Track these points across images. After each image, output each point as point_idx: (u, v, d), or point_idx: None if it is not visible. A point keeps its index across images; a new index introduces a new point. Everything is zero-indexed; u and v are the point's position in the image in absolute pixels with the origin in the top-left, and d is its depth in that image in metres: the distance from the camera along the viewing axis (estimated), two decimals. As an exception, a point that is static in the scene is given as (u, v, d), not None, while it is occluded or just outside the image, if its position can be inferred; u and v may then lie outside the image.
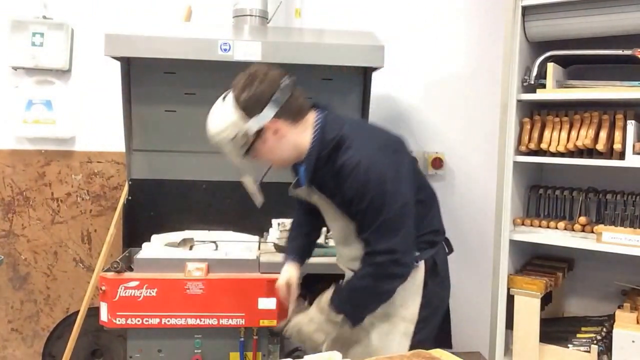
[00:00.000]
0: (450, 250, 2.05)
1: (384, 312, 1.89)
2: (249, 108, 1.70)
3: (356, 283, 1.84)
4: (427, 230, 1.90)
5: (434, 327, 2.00)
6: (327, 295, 1.90)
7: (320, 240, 2.70)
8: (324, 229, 2.76)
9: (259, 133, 1.73)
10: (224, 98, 1.78)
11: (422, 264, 1.90)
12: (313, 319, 1.91)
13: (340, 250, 2.05)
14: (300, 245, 2.15)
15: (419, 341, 1.88)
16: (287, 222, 2.72)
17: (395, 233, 1.73)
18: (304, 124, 1.79)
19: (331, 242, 2.71)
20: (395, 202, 1.72)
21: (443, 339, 2.02)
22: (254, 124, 1.71)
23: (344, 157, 1.73)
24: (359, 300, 1.83)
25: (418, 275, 1.89)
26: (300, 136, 1.79)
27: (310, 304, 2.53)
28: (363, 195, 1.70)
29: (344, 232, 1.91)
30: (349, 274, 1.99)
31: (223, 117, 1.75)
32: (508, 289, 2.72)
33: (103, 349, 3.10)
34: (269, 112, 1.70)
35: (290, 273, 2.08)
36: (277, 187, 2.96)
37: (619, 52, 2.57)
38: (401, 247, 1.74)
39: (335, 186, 1.77)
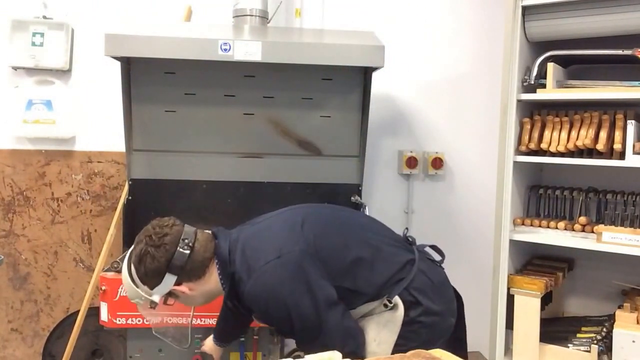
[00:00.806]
0: (442, 257, 2.00)
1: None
2: (148, 282, 1.76)
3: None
4: (384, 279, 1.79)
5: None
6: None
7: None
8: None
9: (169, 293, 1.79)
10: (129, 258, 1.83)
11: (398, 301, 1.79)
12: None
13: None
14: (225, 331, 2.18)
15: None
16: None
17: (324, 338, 1.67)
18: (209, 271, 1.82)
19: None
20: (306, 316, 1.68)
21: (457, 346, 1.92)
22: (158, 293, 1.78)
23: (245, 291, 1.75)
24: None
25: (396, 311, 1.79)
26: (210, 283, 1.82)
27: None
28: (272, 322, 1.80)
29: None
30: None
31: (129, 288, 1.82)
32: (508, 289, 2.72)
33: (103, 349, 3.10)
34: (169, 281, 1.76)
35: (213, 352, 2.20)
36: (277, 187, 2.99)
37: (619, 52, 2.57)
38: (331, 342, 1.62)
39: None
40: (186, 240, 1.77)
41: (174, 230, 1.79)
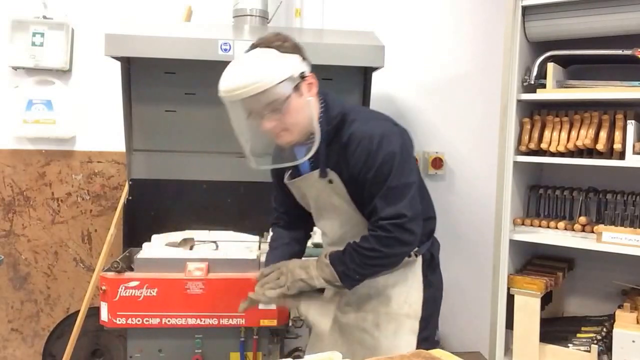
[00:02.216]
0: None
1: (388, 311, 1.87)
2: (301, 50, 1.71)
3: (359, 244, 1.75)
4: (423, 217, 1.83)
5: (437, 323, 2.00)
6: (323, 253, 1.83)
7: (318, 240, 2.71)
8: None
9: (298, 82, 1.67)
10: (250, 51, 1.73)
11: (419, 258, 1.90)
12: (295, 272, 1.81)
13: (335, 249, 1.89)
14: (281, 254, 2.00)
15: (424, 338, 1.87)
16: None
17: (400, 199, 1.70)
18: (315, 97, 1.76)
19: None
20: (401, 172, 1.70)
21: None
22: (306, 66, 1.71)
23: (351, 130, 1.72)
24: (360, 260, 1.74)
25: (416, 269, 1.89)
26: (314, 107, 1.74)
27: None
28: (371, 164, 1.68)
29: (348, 223, 1.85)
30: None
31: (270, 61, 1.64)
32: (508, 289, 2.72)
33: (103, 348, 3.11)
34: (304, 62, 1.71)
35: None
36: (277, 187, 2.99)
37: (619, 52, 2.57)
38: (408, 212, 1.69)
39: (342, 161, 1.73)
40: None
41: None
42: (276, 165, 1.92)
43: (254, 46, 1.72)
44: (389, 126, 1.76)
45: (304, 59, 1.71)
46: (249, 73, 1.62)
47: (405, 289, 1.87)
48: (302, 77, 1.68)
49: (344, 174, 1.76)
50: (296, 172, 1.88)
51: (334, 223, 1.90)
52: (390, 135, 1.71)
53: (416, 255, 1.88)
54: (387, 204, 1.69)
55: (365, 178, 1.71)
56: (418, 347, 1.83)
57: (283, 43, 1.67)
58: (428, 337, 1.90)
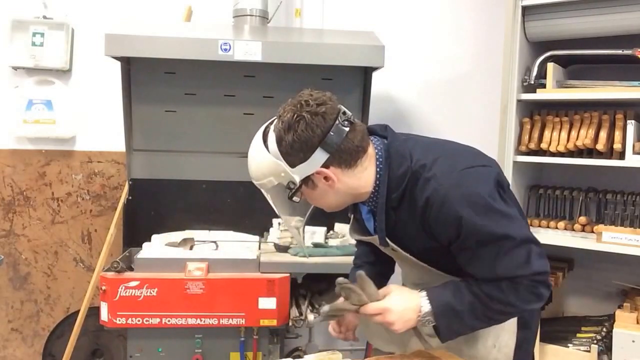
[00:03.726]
0: None
1: (473, 354, 1.56)
2: (293, 155, 1.39)
3: (486, 291, 1.40)
4: None
5: None
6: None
7: (320, 240, 2.71)
8: (324, 228, 2.77)
9: (307, 179, 1.43)
10: (264, 132, 1.46)
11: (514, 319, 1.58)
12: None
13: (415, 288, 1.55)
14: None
15: None
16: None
17: (526, 253, 1.38)
18: (363, 163, 1.45)
19: (331, 242, 2.71)
20: (506, 219, 1.38)
21: None
22: (299, 174, 1.41)
23: (427, 192, 1.39)
24: (483, 313, 1.41)
25: (511, 327, 1.58)
26: (360, 179, 1.46)
27: (311, 304, 2.55)
28: (465, 231, 1.36)
29: (420, 277, 1.60)
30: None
31: (263, 162, 1.44)
32: (508, 289, 2.72)
33: (103, 348, 3.10)
34: (318, 159, 1.39)
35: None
36: (277, 187, 2.99)
37: (619, 52, 2.56)
38: (543, 267, 1.40)
39: (421, 230, 1.44)
40: (347, 115, 1.42)
41: (333, 102, 1.42)
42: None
43: (264, 130, 1.46)
44: (471, 172, 1.42)
45: (320, 146, 1.38)
46: (250, 168, 1.50)
47: (495, 330, 1.54)
48: (307, 177, 1.42)
49: (419, 245, 1.49)
50: (362, 226, 1.63)
51: (410, 272, 1.68)
52: (474, 185, 1.39)
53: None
54: (512, 262, 1.37)
55: (464, 247, 1.40)
56: None
57: (284, 135, 1.38)
58: None
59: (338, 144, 1.38)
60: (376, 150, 1.48)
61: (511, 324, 1.57)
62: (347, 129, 1.39)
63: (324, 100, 1.40)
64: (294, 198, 1.46)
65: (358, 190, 1.48)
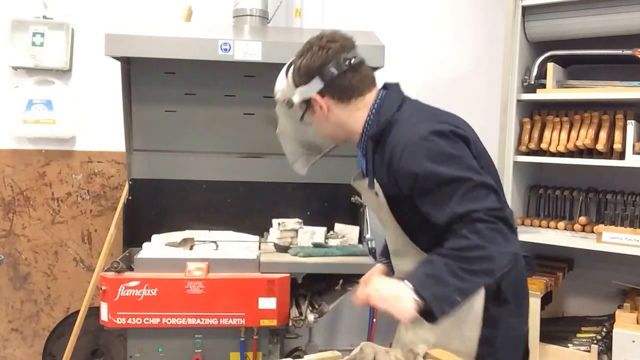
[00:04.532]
0: (532, 269, 1.82)
1: (436, 343, 1.58)
2: (297, 77, 1.64)
3: (453, 246, 1.39)
4: None
5: None
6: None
7: (320, 240, 2.71)
8: (324, 228, 2.78)
9: (308, 103, 1.64)
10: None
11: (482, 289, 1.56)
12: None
13: (394, 262, 1.78)
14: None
15: None
16: (287, 222, 2.73)
17: (482, 194, 1.43)
18: (357, 104, 1.63)
19: (331, 242, 2.71)
20: (461, 164, 1.46)
21: None
22: (298, 95, 1.64)
23: (392, 142, 1.53)
24: (459, 267, 1.36)
25: (474, 300, 1.57)
26: (350, 116, 1.63)
27: (311, 304, 2.55)
28: (422, 174, 1.45)
29: (396, 242, 1.70)
30: None
31: (280, 78, 1.81)
32: (508, 289, 2.72)
33: (103, 348, 3.10)
34: (314, 86, 1.60)
35: (372, 271, 1.87)
36: (277, 187, 2.99)
37: (619, 52, 2.57)
38: (496, 204, 1.42)
39: (388, 176, 1.55)
40: (352, 57, 1.59)
41: (347, 44, 1.60)
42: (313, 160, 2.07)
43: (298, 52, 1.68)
44: (437, 125, 1.53)
45: (318, 75, 1.59)
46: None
47: (457, 322, 1.57)
48: (308, 102, 1.63)
49: (389, 189, 1.58)
50: (360, 173, 1.76)
51: (387, 234, 1.77)
52: (436, 136, 1.49)
53: None
54: (465, 200, 1.41)
55: (423, 189, 1.48)
56: None
57: (297, 60, 1.64)
58: None
59: (333, 77, 1.58)
60: (374, 100, 1.65)
61: (474, 319, 1.60)
62: (345, 67, 1.58)
63: (334, 39, 1.60)
64: (303, 119, 1.69)
65: (349, 127, 1.65)
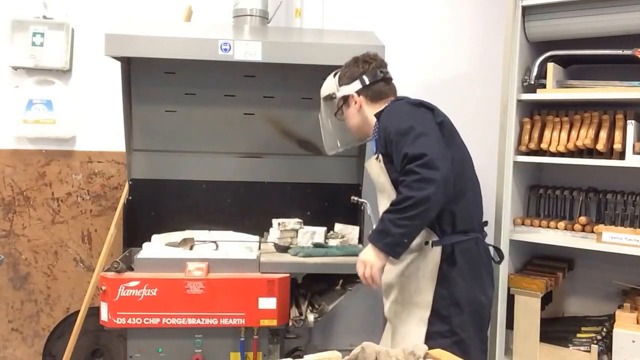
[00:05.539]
0: (501, 257, 2.29)
1: (400, 299, 2.05)
2: (341, 79, 2.24)
3: (392, 203, 1.88)
4: (448, 210, 1.97)
5: (465, 328, 2.01)
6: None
7: (320, 240, 2.71)
8: (324, 228, 2.78)
9: (346, 100, 2.21)
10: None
11: (438, 249, 1.98)
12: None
13: None
14: None
15: (439, 333, 1.97)
16: (287, 222, 2.73)
17: (420, 140, 1.86)
18: (380, 106, 2.14)
19: (331, 242, 2.72)
20: (418, 123, 1.93)
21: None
22: (342, 91, 2.22)
23: (381, 125, 2.06)
24: (397, 218, 1.84)
25: (429, 259, 1.99)
26: (370, 114, 2.16)
27: (311, 304, 2.55)
28: (391, 131, 1.95)
29: (388, 204, 1.97)
30: None
31: (328, 81, 2.30)
32: (508, 289, 2.72)
33: (103, 348, 3.11)
34: (354, 86, 2.18)
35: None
36: (277, 187, 2.99)
37: (619, 52, 2.56)
38: (429, 150, 1.83)
39: (380, 140, 2.04)
40: (385, 72, 2.21)
41: (382, 63, 2.24)
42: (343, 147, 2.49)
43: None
44: (409, 104, 2.08)
45: (357, 80, 2.18)
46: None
47: (416, 279, 2.00)
48: (346, 98, 2.21)
49: (382, 149, 2.05)
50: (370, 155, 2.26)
51: (382, 202, 2.10)
52: (406, 108, 2.05)
53: (432, 245, 1.98)
54: (408, 147, 1.85)
55: (391, 142, 1.96)
56: (432, 340, 1.88)
57: (344, 68, 2.25)
58: (444, 333, 1.97)
59: (369, 83, 2.18)
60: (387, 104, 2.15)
61: (429, 275, 1.99)
62: (379, 78, 2.18)
63: (373, 58, 2.23)
64: (337, 115, 2.27)
65: (369, 123, 2.16)
